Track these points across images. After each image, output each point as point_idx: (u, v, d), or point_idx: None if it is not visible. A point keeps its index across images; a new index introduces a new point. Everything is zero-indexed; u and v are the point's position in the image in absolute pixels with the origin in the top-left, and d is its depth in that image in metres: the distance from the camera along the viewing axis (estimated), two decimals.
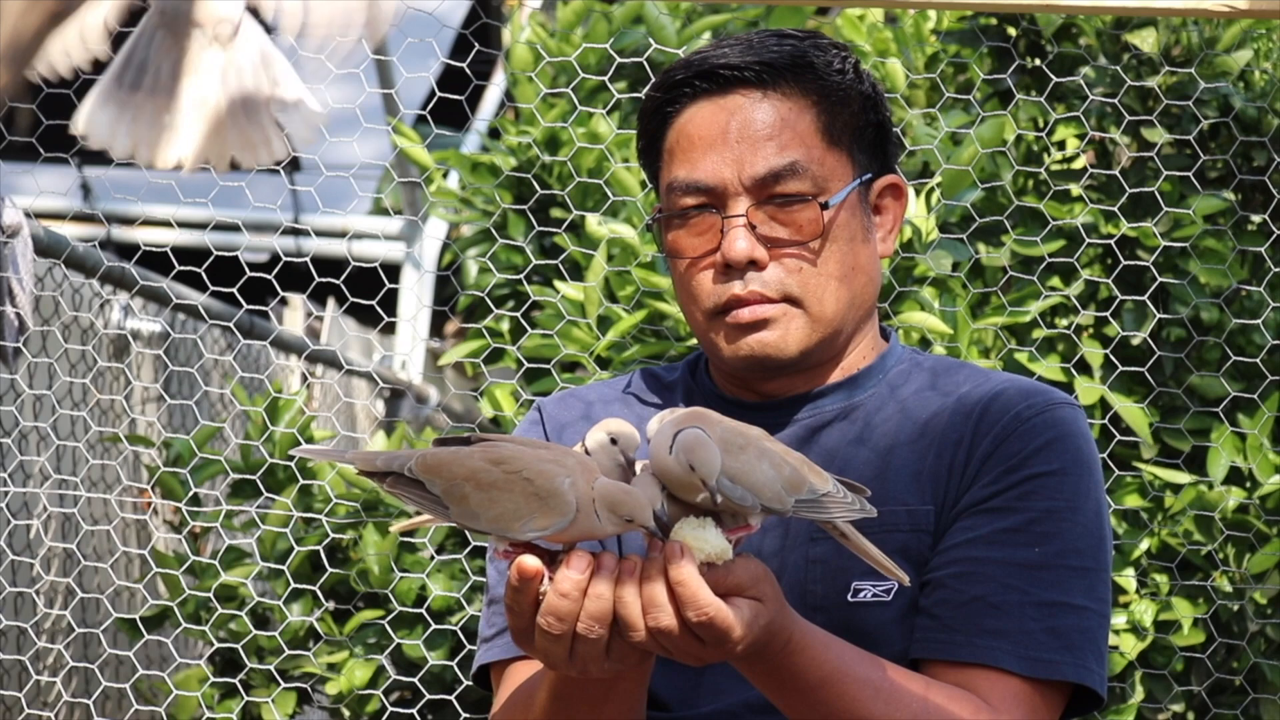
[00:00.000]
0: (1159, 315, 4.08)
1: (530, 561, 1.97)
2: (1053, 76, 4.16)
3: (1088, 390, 4.02)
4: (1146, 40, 4.13)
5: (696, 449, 1.96)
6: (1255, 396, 4.03)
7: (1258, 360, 4.05)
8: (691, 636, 1.96)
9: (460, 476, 1.96)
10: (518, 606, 1.99)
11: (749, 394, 2.36)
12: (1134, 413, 4.01)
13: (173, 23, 1.72)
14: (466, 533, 4.02)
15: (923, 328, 3.88)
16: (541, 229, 4.36)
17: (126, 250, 4.94)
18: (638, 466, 2.05)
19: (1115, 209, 4.10)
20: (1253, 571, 3.93)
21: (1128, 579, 3.97)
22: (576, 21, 4.60)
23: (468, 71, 4.31)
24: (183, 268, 4.33)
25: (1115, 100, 4.13)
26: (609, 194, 4.25)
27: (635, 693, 2.14)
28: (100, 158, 4.67)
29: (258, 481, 4.18)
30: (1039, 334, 4.10)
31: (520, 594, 1.98)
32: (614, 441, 2.04)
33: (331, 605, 4.12)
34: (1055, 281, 4.15)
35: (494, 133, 4.91)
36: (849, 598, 2.22)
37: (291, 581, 4.09)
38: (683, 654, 1.98)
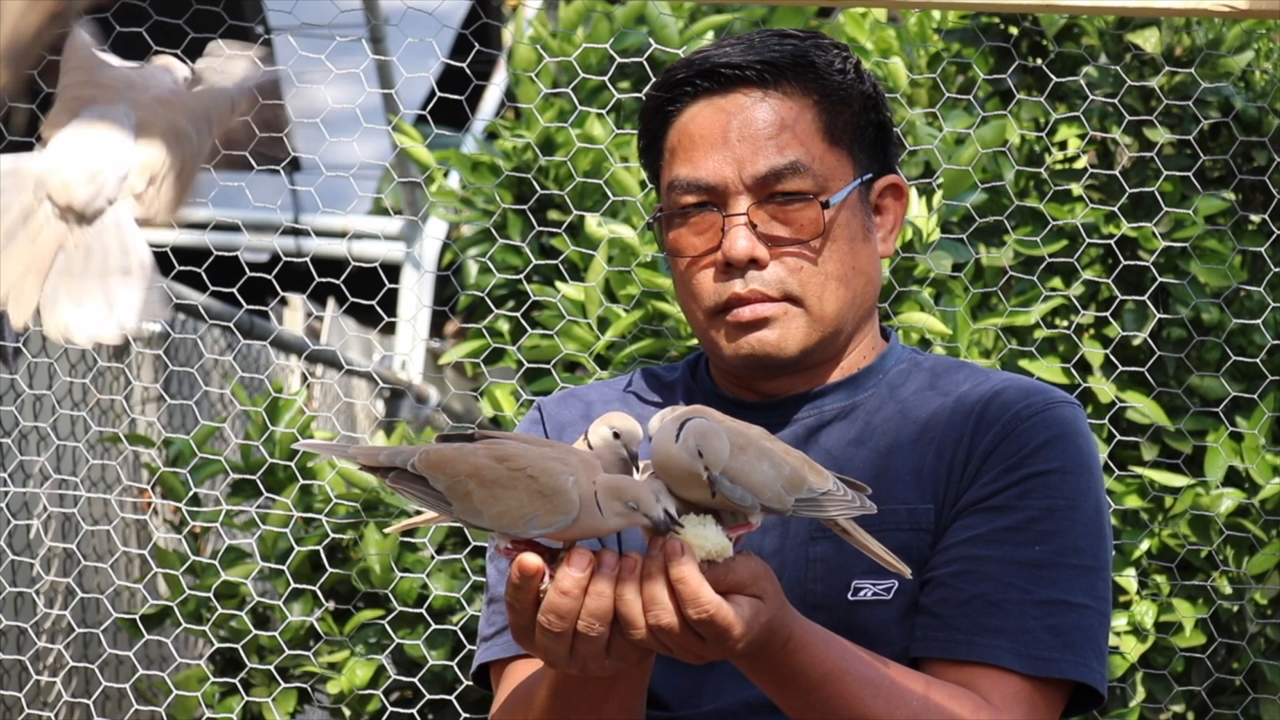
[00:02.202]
0: (1159, 315, 4.08)
1: (531, 559, 1.97)
2: (1053, 77, 4.16)
3: (1101, 391, 4.02)
4: (1149, 40, 4.12)
5: (708, 436, 1.96)
6: (1255, 397, 4.03)
7: (1258, 360, 4.05)
8: (692, 634, 1.96)
9: (464, 473, 1.96)
10: (518, 604, 1.99)
11: (749, 393, 2.36)
12: (1149, 405, 4.00)
13: (28, 179, 1.78)
14: (466, 531, 4.02)
15: (923, 328, 3.88)
16: (541, 229, 4.36)
17: None
18: (640, 465, 2.05)
19: (1116, 209, 4.10)
20: (1252, 573, 3.93)
21: (1128, 580, 3.97)
22: (578, 21, 4.60)
23: (468, 71, 4.31)
24: (183, 268, 4.33)
25: (1116, 100, 4.13)
26: (609, 194, 4.25)
27: (635, 692, 2.14)
28: None
29: (258, 481, 4.18)
30: (1040, 335, 4.10)
31: (521, 592, 1.98)
32: (617, 436, 2.04)
33: (332, 605, 4.12)
34: (1056, 282, 4.15)
35: (492, 135, 4.90)
36: (849, 596, 2.22)
37: (291, 581, 4.09)
38: (683, 652, 1.98)
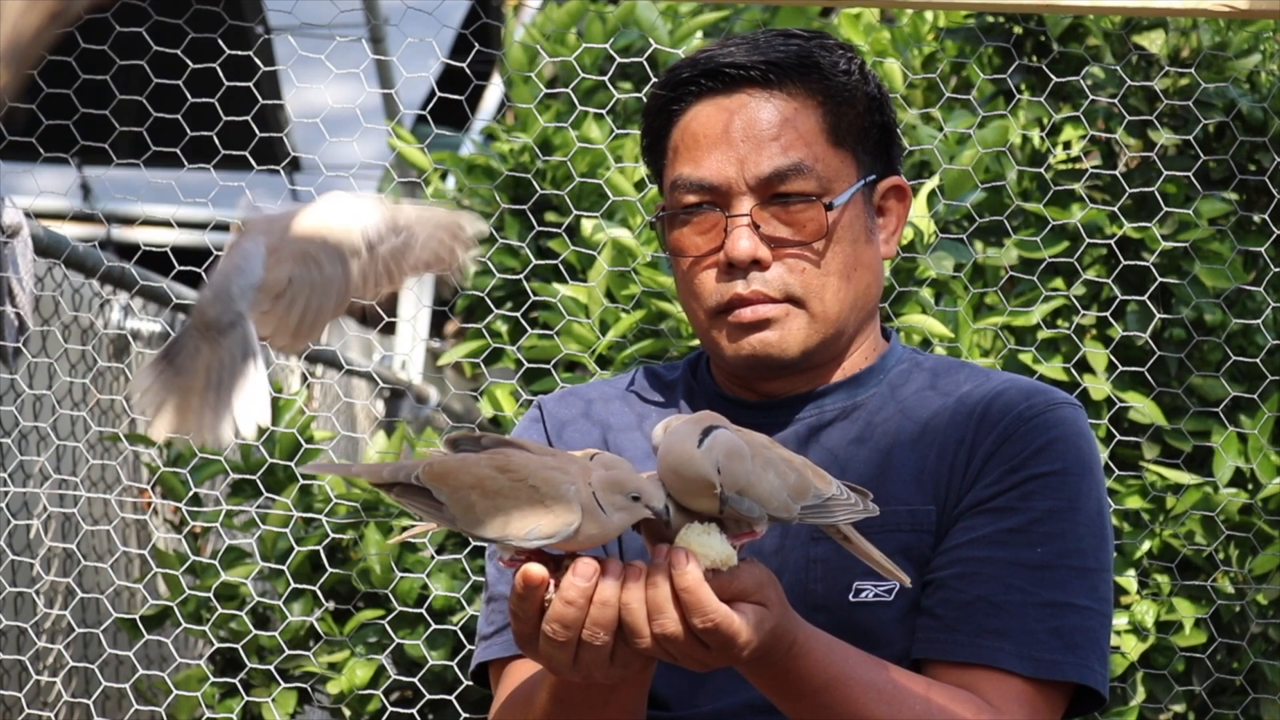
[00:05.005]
0: (1161, 316, 4.07)
1: (536, 569, 1.96)
2: (1053, 77, 4.16)
3: (1096, 390, 4.02)
4: (1156, 42, 4.12)
5: (734, 457, 1.95)
6: (1255, 397, 4.03)
7: (1258, 360, 4.05)
8: (697, 642, 1.95)
9: (466, 484, 1.96)
10: (523, 613, 1.98)
11: (750, 393, 2.36)
12: (1148, 405, 4.00)
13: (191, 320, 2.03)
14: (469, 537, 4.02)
15: (924, 329, 3.87)
16: (540, 229, 4.36)
17: (126, 250, 4.93)
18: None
19: (1117, 209, 4.10)
20: (1255, 573, 3.93)
21: (1129, 580, 3.97)
22: (572, 22, 4.59)
23: (468, 71, 4.31)
24: (183, 268, 4.32)
25: (1118, 100, 4.12)
26: (608, 194, 4.24)
27: (637, 695, 2.13)
28: (100, 157, 4.66)
29: (258, 481, 4.18)
30: (1042, 335, 4.10)
31: (525, 601, 1.97)
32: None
33: (332, 605, 4.12)
34: (1057, 282, 4.15)
35: (489, 136, 4.90)
36: (850, 597, 2.22)
37: (291, 581, 4.09)
38: (688, 660, 1.98)
